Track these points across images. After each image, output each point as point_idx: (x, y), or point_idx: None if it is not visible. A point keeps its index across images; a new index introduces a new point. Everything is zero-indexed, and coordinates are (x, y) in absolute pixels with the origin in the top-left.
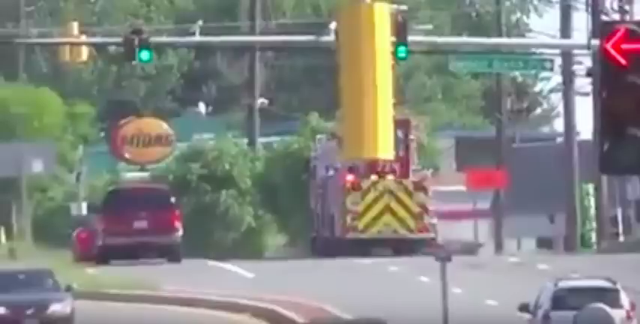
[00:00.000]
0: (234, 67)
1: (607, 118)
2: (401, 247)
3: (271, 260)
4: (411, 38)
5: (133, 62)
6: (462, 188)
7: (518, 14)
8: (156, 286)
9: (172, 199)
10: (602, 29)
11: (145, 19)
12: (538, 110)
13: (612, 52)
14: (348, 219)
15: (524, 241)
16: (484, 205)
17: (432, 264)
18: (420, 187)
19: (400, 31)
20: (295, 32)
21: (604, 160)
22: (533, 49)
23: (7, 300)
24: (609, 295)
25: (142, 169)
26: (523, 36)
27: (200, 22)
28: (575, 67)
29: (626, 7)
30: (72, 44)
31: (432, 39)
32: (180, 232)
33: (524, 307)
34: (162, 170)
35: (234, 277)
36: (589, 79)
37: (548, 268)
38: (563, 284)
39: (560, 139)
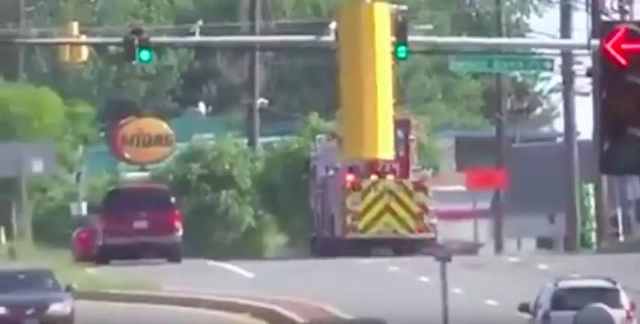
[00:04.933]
0: (234, 67)
1: (607, 118)
2: (401, 247)
3: (271, 260)
4: (411, 38)
5: (133, 62)
6: (462, 188)
7: (518, 14)
8: (156, 286)
9: (172, 199)
10: (602, 29)
11: (145, 19)
12: (538, 110)
13: (612, 52)
14: (348, 219)
15: (524, 241)
16: (484, 205)
17: (432, 264)
18: (420, 187)
19: (400, 31)
20: (295, 32)
21: (604, 160)
22: (533, 49)
23: (7, 300)
24: (609, 295)
25: (142, 169)
26: (523, 36)
27: (200, 22)
28: (575, 67)
29: (626, 7)
30: (72, 44)
31: (432, 39)
32: (180, 232)
33: (524, 307)
34: (162, 170)
35: (234, 277)
36: (589, 79)
37: (548, 268)
38: (563, 284)
39: (560, 139)
